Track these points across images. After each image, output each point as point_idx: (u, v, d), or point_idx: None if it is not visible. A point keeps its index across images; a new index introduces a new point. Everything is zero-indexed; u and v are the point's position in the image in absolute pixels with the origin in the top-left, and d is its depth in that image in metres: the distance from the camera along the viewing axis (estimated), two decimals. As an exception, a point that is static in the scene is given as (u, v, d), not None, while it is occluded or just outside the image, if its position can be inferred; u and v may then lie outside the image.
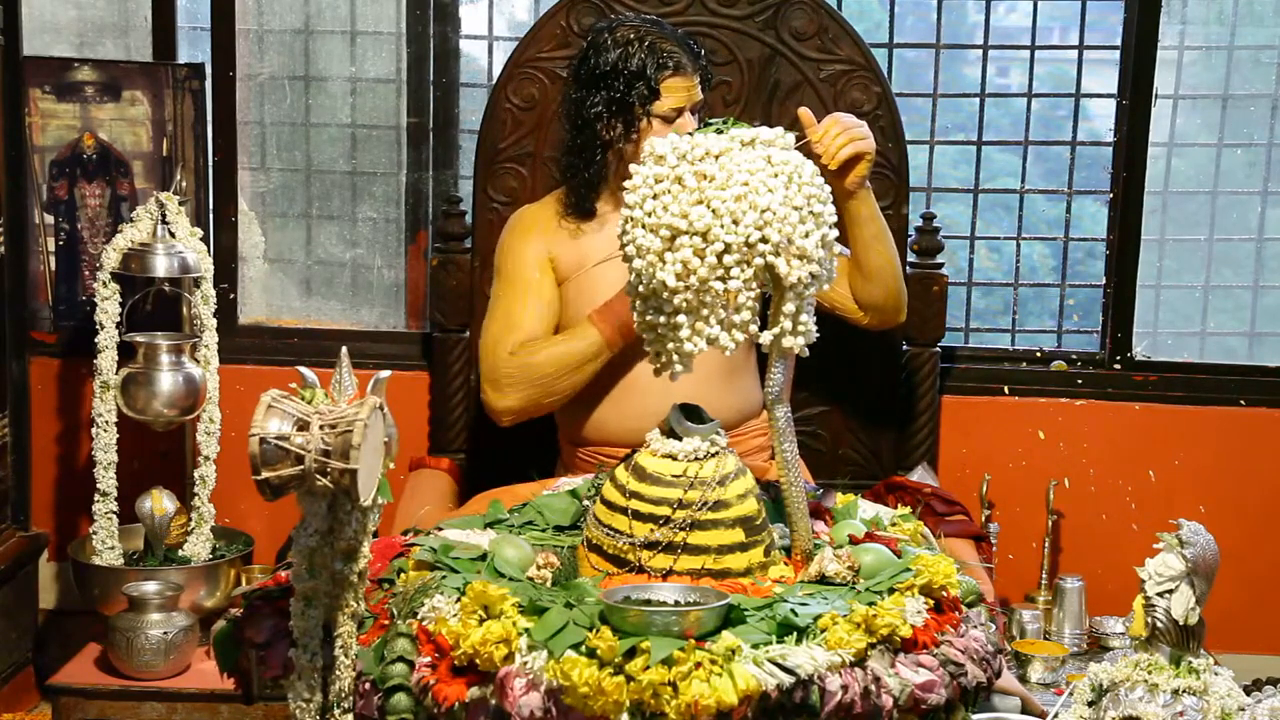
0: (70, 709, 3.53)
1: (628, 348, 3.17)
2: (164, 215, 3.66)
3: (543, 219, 3.31)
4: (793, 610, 2.27)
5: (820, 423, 3.71)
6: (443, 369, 3.73)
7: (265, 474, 2.01)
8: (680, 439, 2.47)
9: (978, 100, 3.99)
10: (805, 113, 3.04)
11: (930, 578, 2.38)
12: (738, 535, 2.43)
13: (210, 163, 3.95)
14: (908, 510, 2.88)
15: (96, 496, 3.63)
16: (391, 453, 2.14)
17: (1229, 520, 3.79)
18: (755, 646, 2.17)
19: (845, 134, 3.01)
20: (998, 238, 4.15)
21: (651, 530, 2.42)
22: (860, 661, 2.22)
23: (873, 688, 2.20)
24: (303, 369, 2.12)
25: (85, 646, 3.69)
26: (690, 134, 2.47)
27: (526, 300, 3.24)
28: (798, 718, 2.15)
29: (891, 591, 2.37)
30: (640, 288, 2.44)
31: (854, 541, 2.61)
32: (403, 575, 2.44)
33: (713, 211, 2.37)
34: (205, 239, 3.76)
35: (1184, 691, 2.32)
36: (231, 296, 3.98)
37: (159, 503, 3.66)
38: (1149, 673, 2.35)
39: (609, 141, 3.18)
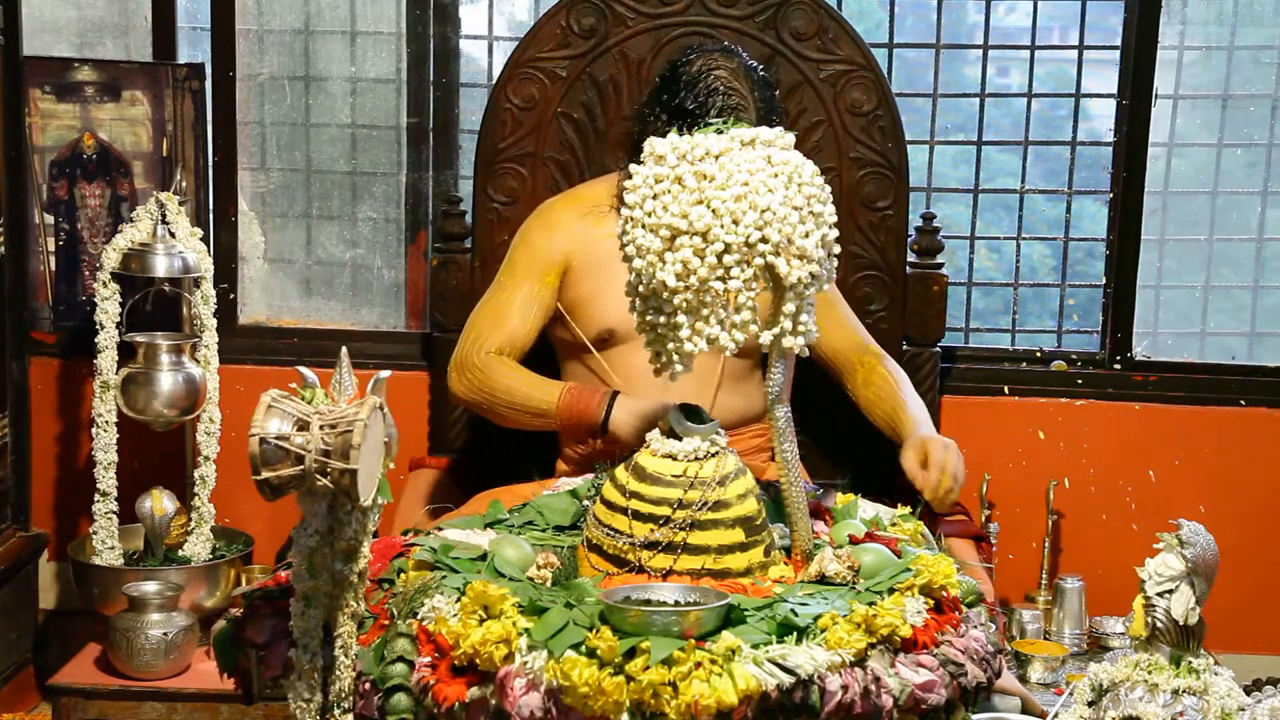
0: (70, 709, 3.53)
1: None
2: (164, 215, 3.66)
3: (571, 215, 3.29)
4: (793, 610, 2.27)
5: (820, 423, 3.71)
6: (443, 369, 3.72)
7: (265, 474, 2.02)
8: (680, 439, 2.47)
9: (978, 100, 3.99)
10: (911, 464, 3.14)
11: (930, 578, 2.38)
12: (738, 535, 2.43)
13: (210, 163, 3.95)
14: (908, 510, 2.88)
15: (96, 496, 3.63)
16: (391, 453, 2.14)
17: (1229, 520, 3.79)
18: (755, 646, 2.17)
19: (956, 488, 3.12)
20: (998, 238, 4.14)
21: (651, 530, 2.42)
22: (860, 661, 2.22)
23: (873, 688, 2.20)
24: (303, 369, 2.12)
25: (85, 646, 3.69)
26: (691, 134, 2.47)
27: (523, 301, 3.24)
28: (798, 718, 2.15)
29: (891, 591, 2.37)
30: (640, 288, 2.44)
31: (854, 541, 2.61)
32: (403, 575, 2.44)
33: (713, 211, 2.37)
34: (205, 239, 3.76)
35: (1184, 691, 2.32)
36: (231, 296, 3.98)
37: (159, 503, 3.66)
38: (1149, 673, 2.35)
39: None
